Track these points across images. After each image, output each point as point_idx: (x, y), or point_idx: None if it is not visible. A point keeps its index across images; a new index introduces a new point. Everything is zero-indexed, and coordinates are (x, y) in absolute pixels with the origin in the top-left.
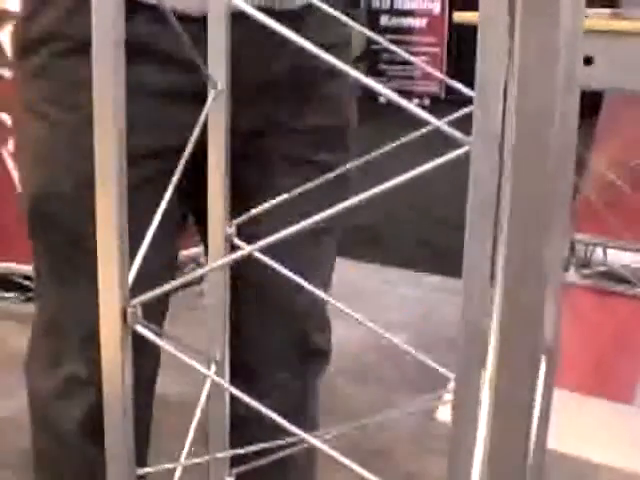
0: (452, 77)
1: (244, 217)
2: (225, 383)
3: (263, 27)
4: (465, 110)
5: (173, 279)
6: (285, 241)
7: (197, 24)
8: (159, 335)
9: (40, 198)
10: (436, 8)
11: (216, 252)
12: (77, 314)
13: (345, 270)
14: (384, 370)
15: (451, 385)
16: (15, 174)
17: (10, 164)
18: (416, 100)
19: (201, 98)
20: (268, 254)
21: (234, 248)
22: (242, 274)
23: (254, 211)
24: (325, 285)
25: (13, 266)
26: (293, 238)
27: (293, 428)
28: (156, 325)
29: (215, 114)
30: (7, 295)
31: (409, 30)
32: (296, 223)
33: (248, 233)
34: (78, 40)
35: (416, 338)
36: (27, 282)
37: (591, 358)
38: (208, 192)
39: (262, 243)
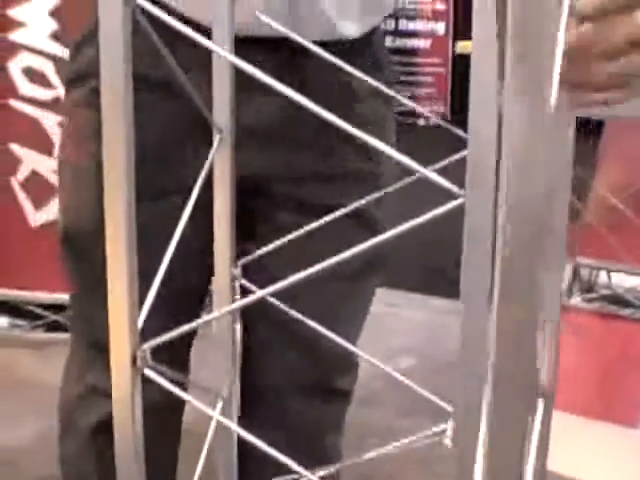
0: (457, 97)
1: (250, 258)
2: (232, 424)
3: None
4: (456, 156)
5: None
6: (315, 282)
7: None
8: (168, 377)
9: (69, 226)
10: (440, 29)
11: (222, 293)
12: (101, 333)
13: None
14: (392, 395)
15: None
16: (25, 204)
17: (20, 194)
18: (422, 121)
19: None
20: (295, 295)
21: (245, 291)
22: (263, 313)
23: (258, 251)
24: (357, 328)
25: (24, 294)
26: (325, 280)
27: (291, 463)
28: (184, 351)
29: (220, 159)
30: (19, 322)
31: (413, 51)
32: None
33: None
34: None
35: (423, 362)
36: (38, 310)
37: (597, 382)
38: (214, 234)
39: (279, 285)
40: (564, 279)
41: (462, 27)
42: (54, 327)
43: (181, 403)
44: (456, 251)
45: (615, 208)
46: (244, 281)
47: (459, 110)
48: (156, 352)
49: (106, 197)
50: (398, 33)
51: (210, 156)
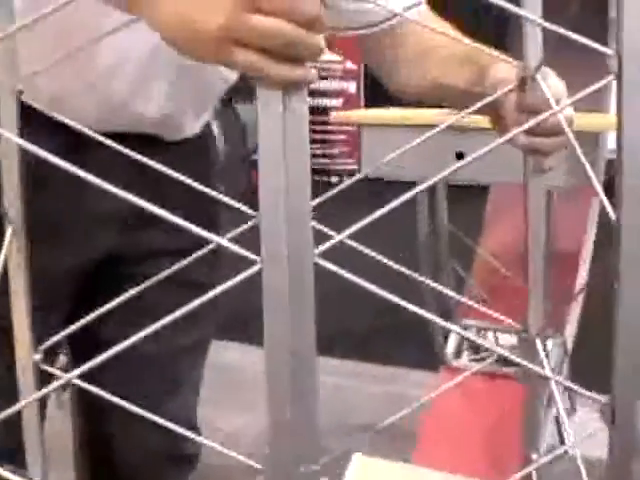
0: None
1: (52, 341)
2: None
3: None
4: (245, 226)
5: None
6: (155, 354)
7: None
8: None
9: None
10: (351, 87)
11: (26, 380)
12: None
13: (243, 357)
14: None
15: None
16: None
17: None
18: (335, 178)
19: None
20: (137, 365)
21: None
22: (105, 383)
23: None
24: (195, 393)
25: None
26: (163, 352)
27: None
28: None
29: (15, 250)
30: None
31: (325, 110)
32: (160, 336)
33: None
34: None
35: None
36: None
37: (484, 441)
38: (13, 320)
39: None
40: (452, 342)
41: (372, 86)
42: None
43: None
44: (347, 310)
45: (498, 271)
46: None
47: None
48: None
49: None
50: (310, 92)
51: (4, 249)
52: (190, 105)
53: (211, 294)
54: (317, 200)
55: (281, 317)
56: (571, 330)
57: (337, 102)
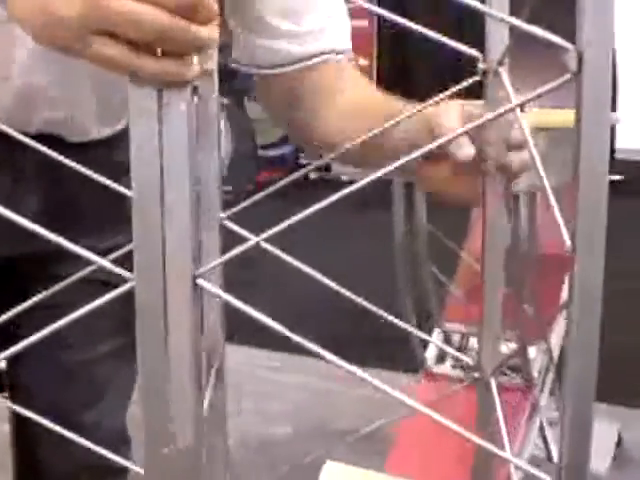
0: None
1: None
2: None
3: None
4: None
5: None
6: (78, 361)
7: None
8: None
9: None
10: None
11: None
12: None
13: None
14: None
15: None
16: None
17: None
18: (345, 177)
19: None
20: (59, 373)
21: None
22: (28, 393)
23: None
24: (123, 399)
25: None
26: (87, 357)
27: None
28: None
29: None
30: None
31: None
32: (85, 340)
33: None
34: None
35: (299, 428)
36: None
37: (459, 452)
38: None
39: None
40: (433, 346)
41: (386, 81)
42: None
43: None
44: (343, 317)
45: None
46: None
47: None
48: None
49: None
50: None
51: None
52: (94, 108)
53: (104, 299)
54: (232, 210)
55: (154, 340)
56: (558, 337)
57: None
